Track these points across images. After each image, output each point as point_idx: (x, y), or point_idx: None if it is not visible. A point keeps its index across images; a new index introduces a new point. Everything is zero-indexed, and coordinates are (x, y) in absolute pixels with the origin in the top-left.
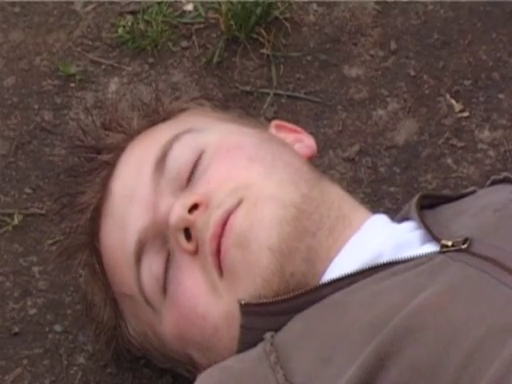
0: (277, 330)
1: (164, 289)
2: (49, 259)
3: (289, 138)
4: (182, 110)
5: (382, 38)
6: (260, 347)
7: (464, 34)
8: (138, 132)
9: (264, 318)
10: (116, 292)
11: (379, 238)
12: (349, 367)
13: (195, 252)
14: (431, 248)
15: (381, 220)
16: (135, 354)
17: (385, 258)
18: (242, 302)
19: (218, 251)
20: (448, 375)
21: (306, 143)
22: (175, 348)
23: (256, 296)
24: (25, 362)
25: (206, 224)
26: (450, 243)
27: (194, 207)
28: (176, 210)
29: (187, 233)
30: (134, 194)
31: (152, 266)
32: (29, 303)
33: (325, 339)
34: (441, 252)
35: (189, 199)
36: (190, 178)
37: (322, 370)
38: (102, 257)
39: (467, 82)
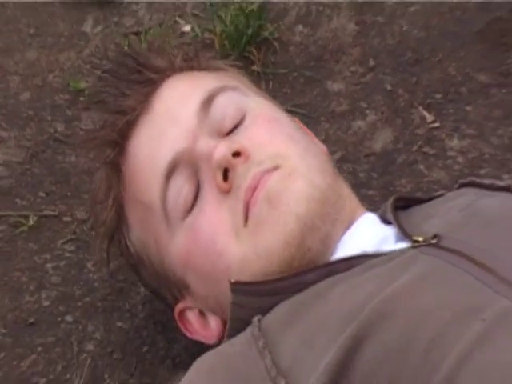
0: (263, 311)
1: (187, 212)
2: (61, 256)
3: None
4: (222, 69)
5: (361, 56)
6: (248, 332)
7: (435, 52)
8: (181, 69)
9: (252, 297)
10: (131, 197)
11: (366, 236)
12: (329, 350)
13: (227, 192)
14: (404, 244)
15: (369, 219)
16: (128, 261)
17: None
18: (232, 280)
19: (248, 203)
20: (416, 356)
21: (319, 146)
22: (174, 268)
23: (270, 252)
24: (39, 349)
25: (245, 173)
26: (420, 239)
27: (235, 154)
28: (222, 149)
29: (224, 173)
30: (178, 118)
31: (180, 188)
32: (43, 296)
33: (308, 326)
34: (413, 247)
35: (234, 145)
36: (231, 130)
37: (306, 353)
38: (129, 161)
39: (438, 96)
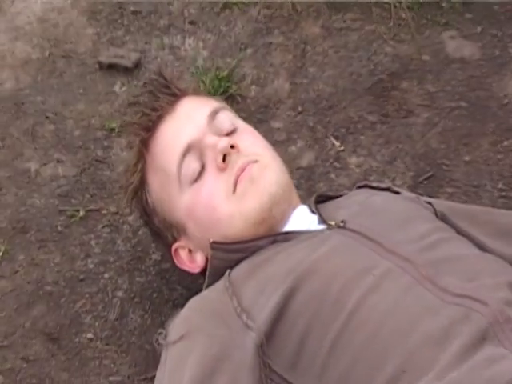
0: (232, 264)
1: (193, 181)
2: (101, 236)
3: None
4: (217, 100)
5: (293, 104)
6: (222, 282)
7: (341, 101)
8: (192, 94)
9: (224, 253)
10: (154, 166)
11: (300, 219)
12: (274, 295)
13: (223, 170)
14: (323, 226)
15: (303, 209)
16: (145, 210)
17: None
18: (211, 240)
19: (237, 179)
20: (331, 299)
21: None
22: (179, 216)
23: (250, 214)
24: (86, 295)
25: (236, 160)
26: (333, 223)
27: (232, 146)
28: (224, 142)
29: (223, 157)
30: (193, 118)
31: (191, 164)
32: (89, 261)
33: (260, 279)
34: (328, 228)
35: (232, 141)
36: (227, 133)
37: (259, 297)
38: (157, 141)
39: (343, 130)
